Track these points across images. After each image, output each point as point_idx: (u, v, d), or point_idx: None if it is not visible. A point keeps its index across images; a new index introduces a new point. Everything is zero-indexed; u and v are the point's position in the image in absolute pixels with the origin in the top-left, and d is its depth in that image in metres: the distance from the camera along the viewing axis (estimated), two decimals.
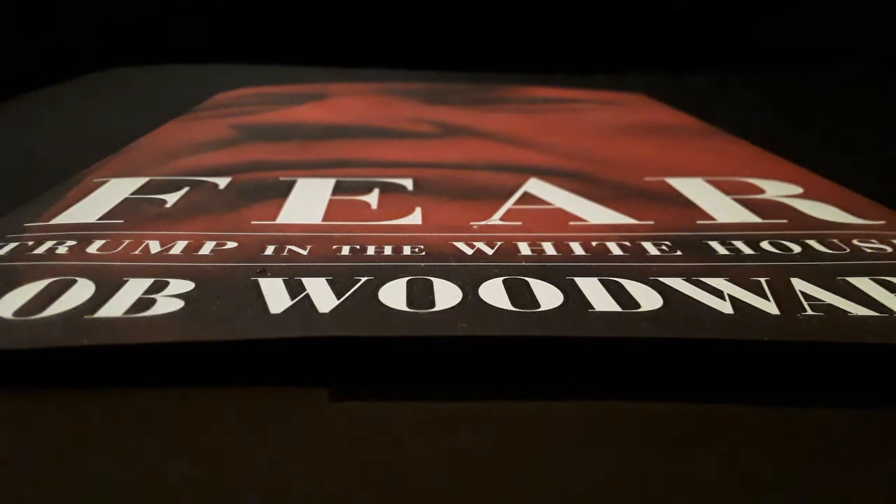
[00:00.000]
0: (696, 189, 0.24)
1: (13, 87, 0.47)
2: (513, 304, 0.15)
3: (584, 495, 0.11)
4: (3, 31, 0.59)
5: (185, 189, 0.23)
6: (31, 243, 0.18)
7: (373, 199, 0.23)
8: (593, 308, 0.15)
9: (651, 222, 0.20)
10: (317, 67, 0.59)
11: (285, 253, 0.18)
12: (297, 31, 0.68)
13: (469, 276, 0.16)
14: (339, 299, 0.15)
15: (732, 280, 0.16)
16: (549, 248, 0.18)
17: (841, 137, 0.38)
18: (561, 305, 0.15)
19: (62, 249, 0.18)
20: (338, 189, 0.24)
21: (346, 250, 0.18)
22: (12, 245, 0.18)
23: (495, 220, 0.21)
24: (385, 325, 0.14)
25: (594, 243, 0.19)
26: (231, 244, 0.18)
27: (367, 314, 0.14)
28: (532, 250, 0.18)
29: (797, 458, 0.12)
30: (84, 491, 0.11)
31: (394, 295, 0.15)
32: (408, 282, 0.16)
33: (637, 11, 0.69)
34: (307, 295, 0.15)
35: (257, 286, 0.16)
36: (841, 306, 0.15)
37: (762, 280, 0.16)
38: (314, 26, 0.68)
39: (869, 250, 0.18)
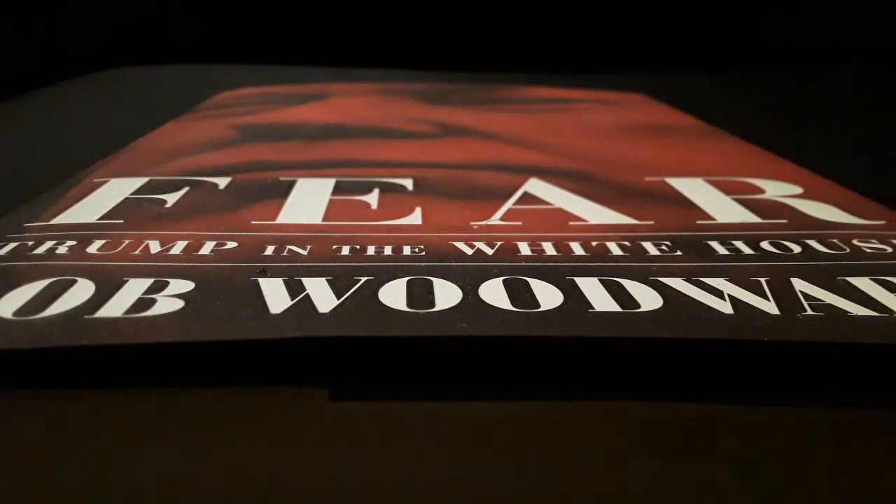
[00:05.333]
0: (696, 189, 0.24)
1: (13, 87, 0.47)
2: (513, 304, 0.15)
3: (584, 495, 0.11)
4: (3, 31, 0.59)
5: (185, 189, 0.23)
6: (31, 243, 0.18)
7: (373, 199, 0.23)
8: (593, 308, 0.15)
9: (651, 222, 0.20)
10: (317, 67, 0.59)
11: (285, 253, 0.18)
12: (297, 31, 0.68)
13: (469, 276, 0.16)
14: (339, 299, 0.15)
15: (732, 280, 0.16)
16: (549, 248, 0.18)
17: (841, 137, 0.38)
18: (561, 305, 0.15)
19: (62, 249, 0.18)
20: (338, 189, 0.24)
21: (346, 250, 0.18)
22: (12, 245, 0.18)
23: (495, 220, 0.21)
24: (385, 325, 0.14)
25: (594, 243, 0.19)
26: (231, 244, 0.18)
27: (367, 314, 0.14)
28: (532, 250, 0.18)
29: (797, 458, 0.12)
30: (84, 491, 0.11)
31: (394, 295, 0.15)
32: (408, 282, 0.16)
33: (637, 11, 0.69)
34: (307, 295, 0.15)
35: (257, 286, 0.16)
36: (841, 306, 0.15)
37: (762, 280, 0.16)
38: (314, 26, 0.67)
39: (869, 250, 0.18)
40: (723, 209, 0.22)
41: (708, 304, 0.15)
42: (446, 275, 0.16)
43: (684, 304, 0.15)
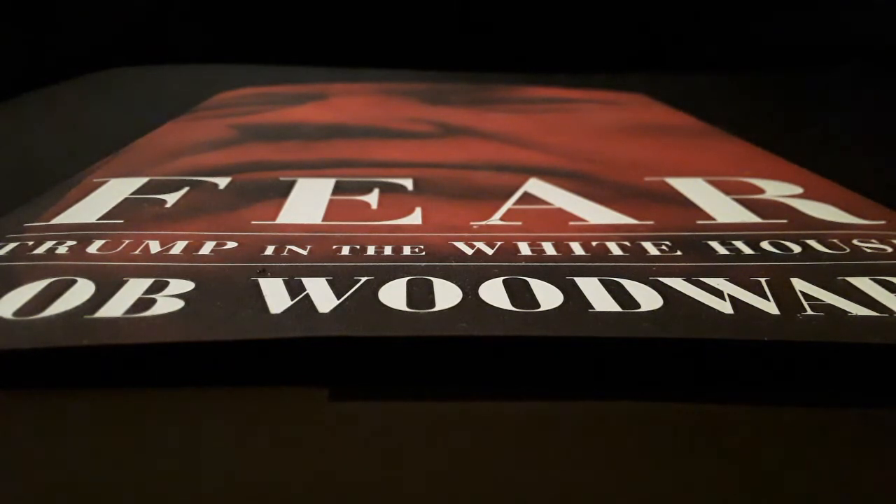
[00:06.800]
0: (696, 189, 0.24)
1: (13, 87, 0.47)
2: (513, 304, 0.15)
3: (584, 495, 0.11)
4: (3, 31, 0.59)
5: (185, 189, 0.23)
6: (31, 243, 0.18)
7: (373, 199, 0.23)
8: (593, 308, 0.15)
9: (651, 222, 0.20)
10: (317, 67, 0.59)
11: (285, 253, 0.18)
12: (298, 31, 0.68)
13: (469, 276, 0.16)
14: (339, 299, 0.15)
15: (732, 280, 0.16)
16: (549, 248, 0.18)
17: (841, 137, 0.38)
18: (561, 305, 0.15)
19: (62, 249, 0.18)
20: (338, 189, 0.24)
21: (346, 250, 0.18)
22: (12, 245, 0.18)
23: (495, 220, 0.21)
24: (385, 325, 0.14)
25: (594, 243, 0.19)
26: (231, 244, 0.18)
27: (367, 314, 0.14)
28: (532, 250, 0.18)
29: (797, 458, 0.12)
30: (84, 491, 0.11)
31: (394, 295, 0.15)
32: (408, 282, 0.16)
33: (637, 11, 0.69)
34: (307, 295, 0.15)
35: (257, 286, 0.16)
36: (841, 306, 0.15)
37: (762, 280, 0.16)
38: (314, 26, 0.67)
39: (869, 250, 0.18)
40: (723, 209, 0.22)
41: (708, 304, 0.15)
42: (446, 275, 0.16)
43: (684, 304, 0.15)
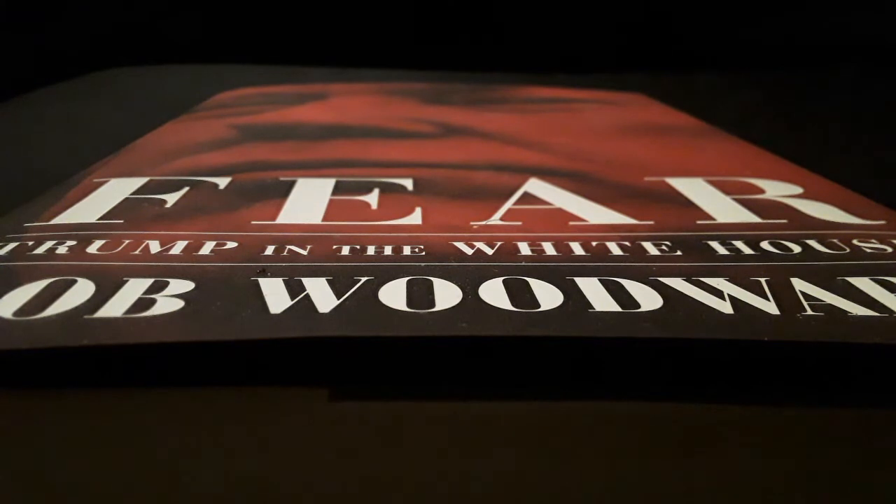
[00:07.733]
0: (696, 189, 0.24)
1: (13, 87, 0.47)
2: (513, 304, 0.15)
3: (584, 495, 0.11)
4: (4, 31, 0.59)
5: (185, 189, 0.23)
6: (31, 243, 0.18)
7: (373, 199, 0.23)
8: (593, 308, 0.15)
9: (651, 222, 0.20)
10: (317, 67, 0.59)
11: (285, 253, 0.18)
12: (297, 31, 0.68)
13: (469, 276, 0.16)
14: (339, 299, 0.15)
15: (732, 280, 0.16)
16: (549, 248, 0.18)
17: (841, 137, 0.38)
18: (561, 305, 0.15)
19: (62, 249, 0.18)
20: (338, 189, 0.24)
21: (346, 250, 0.18)
22: (12, 245, 0.18)
23: (495, 220, 0.21)
24: (385, 325, 0.14)
25: (594, 243, 0.19)
26: (231, 244, 0.18)
27: (367, 314, 0.14)
28: (532, 250, 0.18)
29: (797, 458, 0.12)
30: (84, 491, 0.11)
31: (394, 295, 0.15)
32: (408, 282, 0.16)
33: (637, 11, 0.69)
34: (307, 295, 0.15)
35: (257, 286, 0.16)
36: (841, 306, 0.15)
37: (762, 280, 0.16)
38: (314, 26, 0.67)
39: (869, 250, 0.18)
40: (723, 209, 0.22)
41: (708, 304, 0.15)
42: (446, 275, 0.16)
43: (684, 304, 0.15)
